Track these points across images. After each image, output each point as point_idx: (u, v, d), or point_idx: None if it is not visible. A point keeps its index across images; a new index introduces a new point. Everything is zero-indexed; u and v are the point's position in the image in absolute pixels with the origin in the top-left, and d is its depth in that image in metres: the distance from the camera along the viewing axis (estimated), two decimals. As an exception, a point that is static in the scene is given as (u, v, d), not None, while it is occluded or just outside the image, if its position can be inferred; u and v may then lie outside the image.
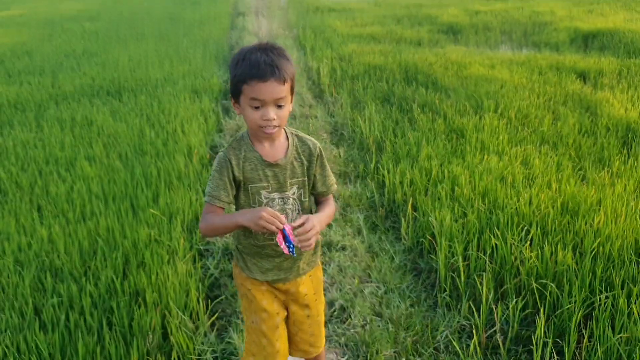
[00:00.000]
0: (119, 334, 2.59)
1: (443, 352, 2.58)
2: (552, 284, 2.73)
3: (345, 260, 3.26)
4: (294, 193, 1.88)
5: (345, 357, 2.51)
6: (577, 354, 2.47)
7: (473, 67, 7.00)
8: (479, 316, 2.68)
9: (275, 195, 1.85)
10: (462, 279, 2.93)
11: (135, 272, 3.01)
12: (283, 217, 1.71)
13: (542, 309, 2.60)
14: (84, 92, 7.12)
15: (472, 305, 2.78)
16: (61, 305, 2.82)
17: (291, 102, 1.80)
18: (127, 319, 2.68)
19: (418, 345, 2.59)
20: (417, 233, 3.46)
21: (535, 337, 2.46)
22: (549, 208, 3.37)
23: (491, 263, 2.99)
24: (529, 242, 3.07)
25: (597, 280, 2.72)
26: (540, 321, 2.50)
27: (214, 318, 2.76)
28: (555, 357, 2.46)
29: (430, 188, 3.82)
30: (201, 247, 3.43)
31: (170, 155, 4.74)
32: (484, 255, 3.03)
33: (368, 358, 2.48)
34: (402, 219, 3.59)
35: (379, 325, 2.68)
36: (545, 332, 2.54)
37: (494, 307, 2.72)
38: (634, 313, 2.47)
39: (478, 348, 2.54)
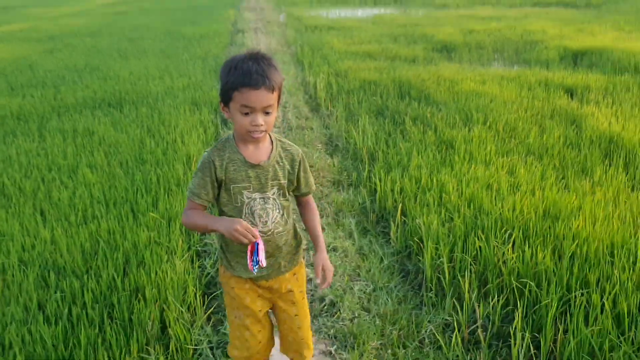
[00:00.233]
0: (120, 327, 2.73)
1: (427, 346, 2.71)
2: (532, 283, 2.88)
3: (336, 260, 3.41)
4: (274, 193, 1.98)
5: (334, 347, 2.65)
6: (553, 348, 2.61)
7: (465, 83, 7.20)
8: (462, 313, 2.82)
9: (257, 195, 1.95)
10: (447, 278, 3.07)
11: (136, 271, 3.15)
12: (257, 232, 1.83)
13: (520, 306, 2.74)
14: (85, 104, 7.30)
15: (456, 303, 2.92)
16: (64, 300, 2.96)
17: (277, 108, 1.91)
18: (127, 313, 2.81)
19: (403, 338, 2.73)
20: (405, 237, 3.61)
21: (513, 328, 2.60)
22: (532, 213, 3.52)
23: (475, 264, 3.14)
24: (511, 245, 3.22)
25: (574, 279, 2.87)
26: (519, 314, 2.65)
27: (209, 312, 2.90)
28: (532, 350, 2.60)
29: (420, 195, 3.98)
30: (199, 248, 3.58)
31: (169, 163, 4.90)
32: (469, 257, 3.17)
33: (355, 348, 2.62)
34: (392, 224, 3.74)
35: (366, 320, 2.83)
36: (524, 327, 2.68)
37: (476, 304, 2.86)
38: (605, 308, 2.61)
39: (460, 342, 2.68)
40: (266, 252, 1.97)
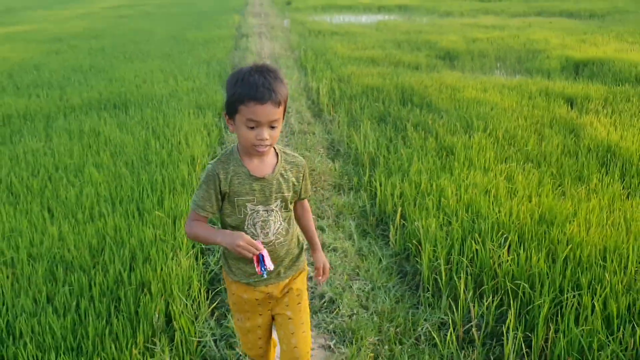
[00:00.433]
0: (126, 319, 2.84)
1: (423, 343, 2.83)
2: (526, 285, 3.00)
3: (336, 259, 3.53)
4: (277, 205, 2.00)
5: (333, 342, 2.77)
6: (544, 347, 2.73)
7: (466, 91, 7.34)
8: (457, 312, 2.94)
9: (260, 207, 1.97)
10: (444, 279, 3.19)
11: (142, 266, 3.27)
12: (260, 245, 1.86)
13: (514, 306, 2.86)
14: (91, 105, 7.44)
15: (451, 303, 3.04)
16: (72, 294, 3.08)
17: (282, 122, 1.92)
18: (133, 306, 2.93)
19: (400, 335, 2.84)
20: (404, 239, 3.73)
21: (506, 327, 2.72)
22: (528, 218, 3.64)
23: (471, 266, 3.26)
24: (507, 248, 3.34)
25: (567, 282, 2.99)
26: (512, 313, 2.76)
27: (213, 306, 3.02)
28: (525, 349, 2.72)
29: (419, 199, 4.10)
30: (203, 246, 3.70)
31: (174, 164, 5.03)
32: (465, 259, 3.29)
33: (354, 343, 2.73)
34: (391, 227, 3.86)
35: (364, 316, 2.94)
36: (516, 327, 2.80)
37: (471, 305, 2.98)
38: (596, 309, 2.73)
39: (455, 340, 2.80)
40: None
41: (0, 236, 3.76)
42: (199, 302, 3.04)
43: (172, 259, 3.39)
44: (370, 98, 7.23)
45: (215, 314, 3.01)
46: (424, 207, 3.96)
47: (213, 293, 3.20)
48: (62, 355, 2.58)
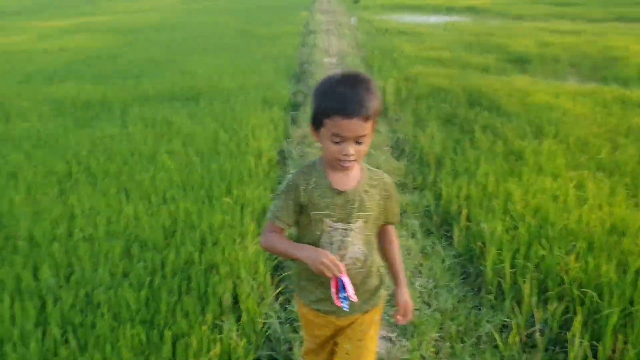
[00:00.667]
0: (196, 298, 3.00)
1: (484, 344, 2.84)
2: (594, 293, 2.95)
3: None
4: (358, 226, 1.86)
5: (395, 334, 2.83)
6: (612, 357, 2.69)
7: (537, 95, 7.19)
8: (520, 316, 2.93)
9: (339, 225, 1.84)
10: (508, 282, 3.19)
11: (211, 249, 3.43)
12: (343, 267, 1.73)
13: (580, 314, 2.83)
14: (164, 95, 7.76)
15: (515, 306, 3.03)
16: (146, 270, 3.26)
17: (372, 136, 1.80)
18: (203, 285, 3.08)
19: (462, 334, 2.86)
20: (468, 240, 3.73)
21: (571, 334, 2.70)
22: (598, 227, 3.57)
23: (537, 271, 3.24)
24: (575, 255, 3.29)
25: (638, 293, 2.93)
26: (578, 320, 2.74)
27: (278, 291, 3.14)
28: (590, 358, 2.68)
29: (485, 201, 4.09)
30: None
31: (242, 155, 5.19)
32: (531, 263, 3.27)
33: (415, 337, 2.78)
34: (455, 227, 3.87)
35: (426, 313, 2.98)
36: (582, 334, 2.77)
37: (535, 309, 2.96)
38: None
39: (518, 343, 2.79)
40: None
41: (80, 213, 4.01)
42: (264, 286, 3.16)
43: (239, 243, 3.53)
44: (437, 99, 7.21)
45: (280, 299, 3.12)
46: (490, 210, 3.95)
47: (277, 280, 3.31)
48: (136, 326, 2.75)
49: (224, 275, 3.16)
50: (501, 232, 3.57)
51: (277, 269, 3.44)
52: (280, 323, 2.89)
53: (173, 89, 8.08)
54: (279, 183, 4.80)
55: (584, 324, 2.84)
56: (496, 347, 2.81)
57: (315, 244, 1.85)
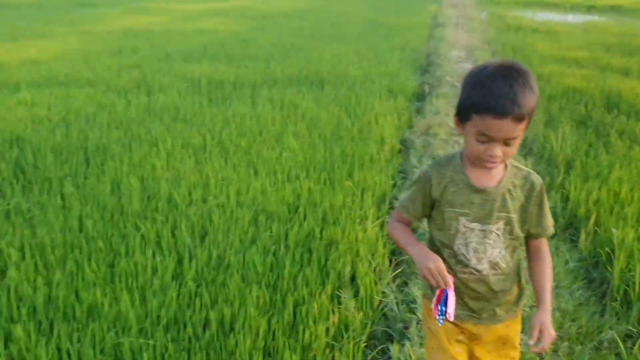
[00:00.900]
0: (316, 269, 3.19)
1: (605, 350, 2.77)
2: None
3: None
4: (498, 228, 1.72)
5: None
6: None
7: (686, 103, 6.68)
8: (648, 328, 2.83)
9: (476, 225, 1.71)
10: (636, 291, 3.07)
11: (332, 227, 3.61)
12: (450, 280, 1.64)
13: None
14: (291, 79, 8.10)
15: (642, 317, 2.92)
16: (271, 239, 3.50)
17: (522, 136, 1.64)
18: (323, 259, 3.27)
19: (582, 336, 2.82)
20: (594, 245, 3.62)
21: None
22: None
23: (672, 284, 3.09)
24: None
25: None
26: None
27: (395, 274, 3.26)
28: None
29: (616, 208, 3.93)
30: (387, 220, 3.95)
31: (364, 141, 5.34)
32: (664, 275, 3.12)
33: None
34: (582, 231, 3.76)
35: (545, 311, 2.96)
36: None
37: (666, 323, 2.84)
38: None
39: (642, 354, 2.71)
40: (477, 294, 1.78)
41: (214, 183, 4.36)
42: (382, 266, 3.28)
43: (359, 224, 3.68)
44: (571, 100, 6.92)
45: (397, 281, 3.24)
46: (622, 217, 3.80)
47: (394, 264, 3.43)
48: (262, 289, 2.98)
49: (343, 251, 3.32)
50: (632, 240, 3.43)
51: (394, 253, 3.55)
52: (397, 303, 3.00)
53: (300, 73, 8.40)
54: (400, 172, 4.90)
55: None
56: (618, 354, 2.74)
57: (450, 244, 1.74)
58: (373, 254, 3.40)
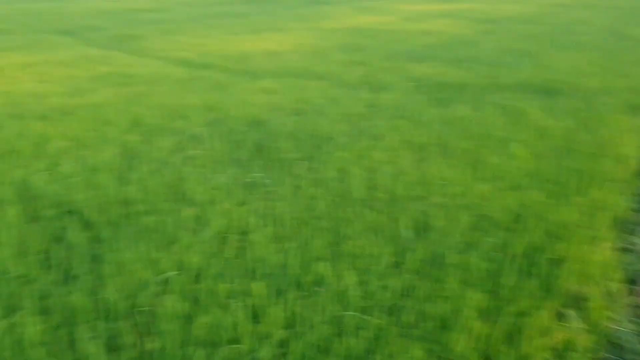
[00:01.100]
0: (538, 283, 3.08)
1: None
2: None
3: None
4: None
5: None
6: None
7: None
8: None
9: None
10: None
11: (558, 242, 3.45)
12: None
13: None
14: (517, 85, 7.83)
15: None
16: (492, 245, 3.46)
17: None
18: (547, 273, 3.15)
19: None
20: None
21: None
22: None
23: None
24: None
25: None
26: None
27: (631, 303, 3.01)
28: None
29: None
30: (627, 246, 3.65)
31: (599, 157, 4.98)
32: None
33: None
34: None
35: None
36: None
37: None
38: None
39: None
40: None
41: (433, 181, 4.42)
42: (615, 292, 3.06)
43: (590, 244, 3.46)
44: None
45: (636, 312, 2.99)
46: None
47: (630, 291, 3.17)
48: (481, 293, 2.97)
49: (571, 269, 3.16)
50: None
51: (633, 282, 3.28)
52: (633, 334, 2.78)
53: (527, 80, 8.08)
54: (641, 194, 4.48)
55: None
56: None
57: None
58: (605, 277, 3.17)
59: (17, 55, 10.72)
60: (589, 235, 3.59)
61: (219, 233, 3.58)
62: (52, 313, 2.84)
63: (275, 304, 2.85)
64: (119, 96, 7.31)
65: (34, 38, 13.01)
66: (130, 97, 7.20)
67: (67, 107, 6.78)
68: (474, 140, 5.45)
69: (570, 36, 12.58)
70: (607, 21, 15.37)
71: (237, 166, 4.78)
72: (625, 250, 3.62)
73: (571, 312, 2.86)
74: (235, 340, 2.65)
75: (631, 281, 3.25)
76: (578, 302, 2.99)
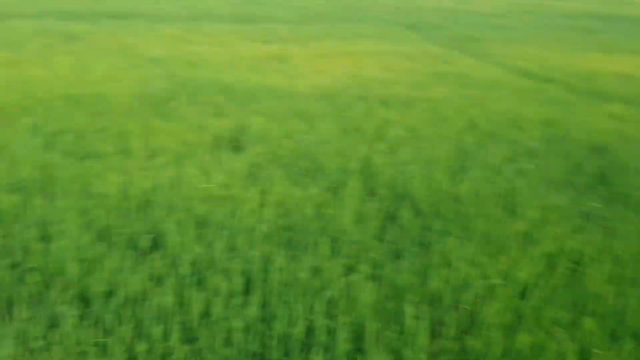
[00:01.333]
0: None
1: None
2: None
3: None
4: None
5: None
6: None
7: None
8: None
9: None
10: None
11: None
12: None
13: None
14: None
15: None
16: None
17: None
18: None
19: None
20: None
21: None
22: None
23: None
24: None
25: None
26: None
27: None
28: None
29: None
30: None
31: None
32: None
33: None
34: None
35: None
36: None
37: None
38: None
39: None
40: None
41: None
42: None
43: None
44: None
45: None
46: None
47: None
48: None
49: None
50: None
51: None
52: None
53: None
54: None
55: None
56: None
57: None
58: None
59: (367, 43, 11.88)
60: None
61: (549, 255, 3.47)
62: (382, 284, 3.12)
63: (609, 349, 2.66)
64: (456, 96, 7.56)
65: (383, 29, 14.22)
66: (467, 99, 7.39)
67: (408, 98, 7.29)
68: None
69: None
70: None
71: (573, 190, 4.55)
72: None
73: None
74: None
75: None
76: None
